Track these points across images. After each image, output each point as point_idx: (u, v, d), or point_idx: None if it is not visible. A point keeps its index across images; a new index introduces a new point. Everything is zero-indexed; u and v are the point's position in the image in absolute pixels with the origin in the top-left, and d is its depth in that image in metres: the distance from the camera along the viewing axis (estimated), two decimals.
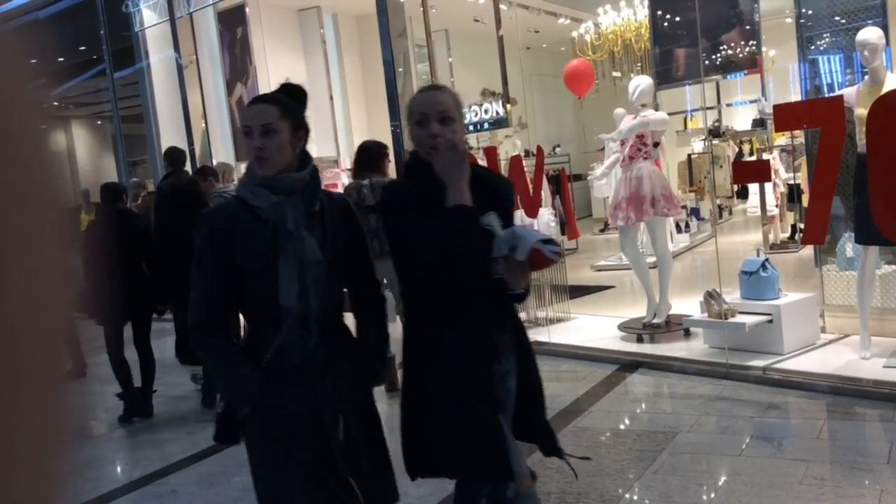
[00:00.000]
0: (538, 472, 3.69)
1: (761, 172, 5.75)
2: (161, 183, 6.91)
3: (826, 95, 5.21)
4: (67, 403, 0.33)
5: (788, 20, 6.00)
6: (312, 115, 9.48)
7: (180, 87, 8.91)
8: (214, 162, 9.07)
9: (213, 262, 2.11)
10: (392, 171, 5.63)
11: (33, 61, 0.33)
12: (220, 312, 2.15)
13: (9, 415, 0.29)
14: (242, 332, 7.42)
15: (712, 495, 3.37)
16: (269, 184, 2.10)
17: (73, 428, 0.33)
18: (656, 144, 5.77)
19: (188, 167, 8.91)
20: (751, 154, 10.73)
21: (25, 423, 0.30)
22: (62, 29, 11.39)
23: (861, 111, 4.45)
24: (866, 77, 4.71)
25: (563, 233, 7.86)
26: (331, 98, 10.22)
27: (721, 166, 9.64)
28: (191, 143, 8.91)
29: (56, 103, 15.04)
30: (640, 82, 5.82)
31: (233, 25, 9.08)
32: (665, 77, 6.37)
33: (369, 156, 5.24)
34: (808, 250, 5.72)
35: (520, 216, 6.32)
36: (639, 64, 11.10)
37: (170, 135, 9.54)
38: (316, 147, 10.40)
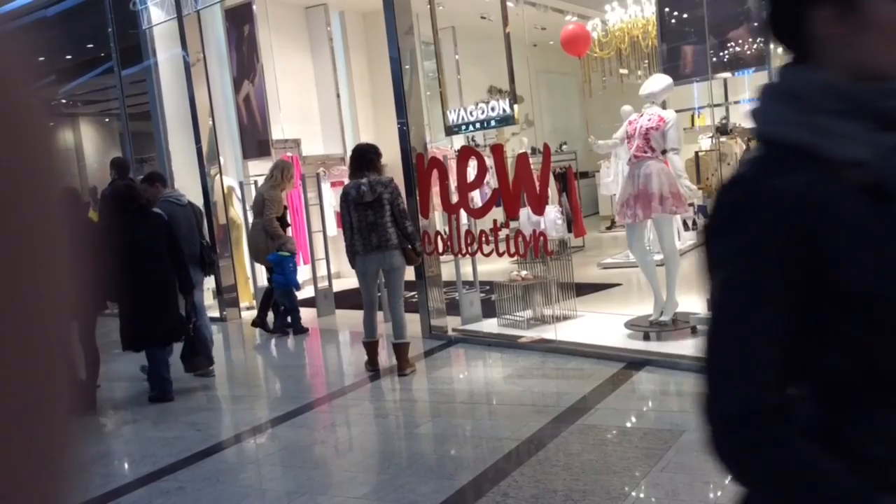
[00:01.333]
0: (543, 469, 3.69)
1: None
2: (105, 190, 7.73)
3: None
4: (72, 407, 0.33)
5: None
6: (319, 112, 9.48)
7: (188, 84, 8.92)
8: (223, 160, 9.10)
9: (784, 290, 1.01)
10: (386, 171, 5.86)
11: (41, 59, 0.33)
12: (786, 387, 1.07)
13: (13, 416, 0.29)
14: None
15: (719, 493, 3.37)
16: (869, 104, 0.98)
17: (79, 430, 0.33)
18: (664, 152, 5.74)
19: (195, 167, 8.98)
20: None
21: (31, 430, 0.30)
22: (70, 27, 11.43)
23: None
24: None
25: (569, 230, 7.85)
26: (337, 96, 10.25)
27: (729, 164, 9.60)
28: (198, 140, 8.92)
29: (64, 101, 15.09)
30: (654, 84, 5.78)
31: (240, 23, 9.10)
32: (673, 74, 6.35)
33: (367, 157, 5.66)
34: None
35: (526, 214, 6.32)
36: (646, 61, 11.07)
37: (177, 132, 9.56)
38: (323, 144, 10.42)
